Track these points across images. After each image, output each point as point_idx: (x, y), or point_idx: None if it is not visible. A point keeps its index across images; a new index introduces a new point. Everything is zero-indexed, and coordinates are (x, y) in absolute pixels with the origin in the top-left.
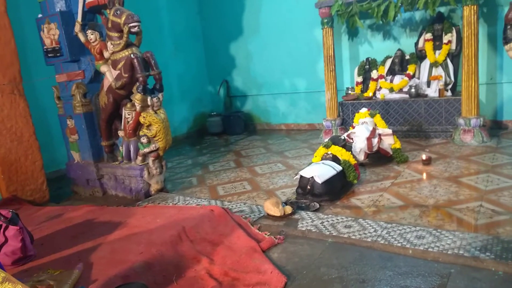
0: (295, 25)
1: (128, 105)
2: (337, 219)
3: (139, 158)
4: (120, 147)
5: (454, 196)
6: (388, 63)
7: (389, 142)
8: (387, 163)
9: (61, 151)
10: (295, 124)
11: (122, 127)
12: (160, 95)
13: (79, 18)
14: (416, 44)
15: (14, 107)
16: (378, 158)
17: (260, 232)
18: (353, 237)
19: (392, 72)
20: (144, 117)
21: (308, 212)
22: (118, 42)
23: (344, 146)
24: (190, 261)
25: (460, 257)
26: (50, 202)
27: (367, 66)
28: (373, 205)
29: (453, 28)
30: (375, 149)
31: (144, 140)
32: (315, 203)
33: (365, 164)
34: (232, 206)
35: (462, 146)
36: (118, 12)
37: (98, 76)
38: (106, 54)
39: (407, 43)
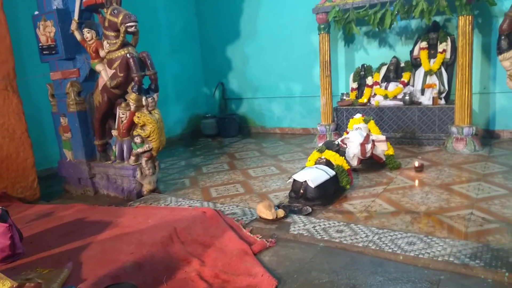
0: (292, 30)
1: (123, 104)
2: (329, 224)
3: (132, 158)
4: (113, 147)
5: (445, 203)
6: (383, 70)
7: (383, 148)
8: (380, 169)
9: (54, 149)
10: (290, 128)
11: (116, 127)
12: (155, 96)
13: (76, 16)
14: (411, 52)
15: (7, 104)
16: (371, 164)
17: (251, 235)
18: (345, 242)
19: (387, 79)
20: (138, 117)
21: (300, 216)
22: (114, 41)
23: (337, 151)
24: (181, 262)
25: (450, 264)
26: (40, 200)
27: (363, 73)
28: (365, 211)
29: (448, 37)
30: (368, 155)
31: (137, 140)
32: (307, 207)
33: (358, 170)
34: (224, 208)
35: (454, 154)
36: (115, 11)
37: (93, 75)
38: (102, 53)
39: (403, 51)
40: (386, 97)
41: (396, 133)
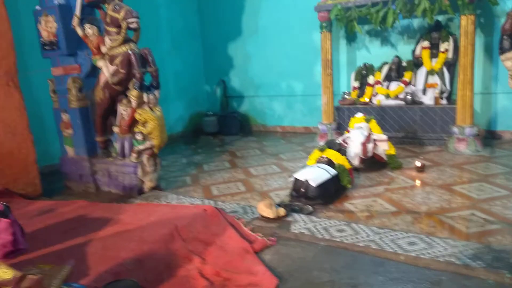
0: (294, 28)
1: (124, 101)
2: (330, 223)
3: (134, 155)
4: (115, 143)
5: (446, 203)
6: (385, 69)
7: (384, 148)
8: (381, 169)
9: (55, 145)
10: (291, 126)
11: (117, 123)
12: (156, 92)
13: (78, 12)
14: (413, 51)
15: (9, 99)
16: (372, 163)
17: (252, 233)
18: (346, 241)
19: (388, 78)
20: (139, 114)
21: (301, 215)
22: (116, 37)
23: (339, 150)
24: (182, 260)
25: (451, 264)
26: (42, 196)
27: (364, 72)
28: (366, 210)
29: (450, 37)
30: (369, 154)
31: (139, 137)
32: (308, 206)
33: (360, 169)
34: (225, 207)
35: (455, 154)
36: (117, 7)
37: (94, 71)
38: (103, 49)
39: (405, 50)
40: (387, 96)
41: (398, 133)
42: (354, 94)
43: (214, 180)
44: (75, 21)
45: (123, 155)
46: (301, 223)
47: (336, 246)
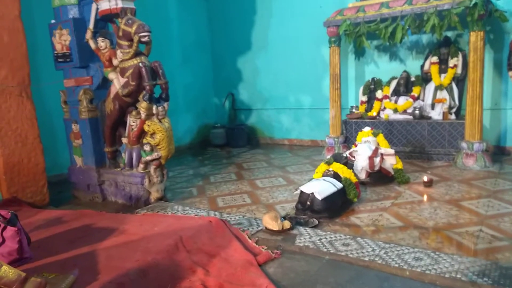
0: (303, 42)
1: (134, 112)
2: (335, 237)
3: (141, 165)
4: (123, 154)
5: (454, 219)
6: (393, 84)
7: (391, 162)
8: (388, 183)
9: (64, 155)
10: (298, 139)
11: (126, 134)
12: (165, 105)
13: (91, 26)
14: (422, 66)
15: (21, 109)
16: (379, 177)
17: (257, 246)
18: (351, 255)
19: (397, 93)
20: (148, 125)
21: (306, 228)
22: (127, 50)
23: (345, 164)
24: (186, 271)
25: (457, 281)
26: (49, 205)
27: (372, 86)
28: (372, 224)
29: (459, 52)
30: (376, 168)
31: (147, 148)
32: (314, 219)
33: (366, 183)
34: (230, 218)
35: (464, 170)
36: (130, 21)
37: (105, 83)
38: (115, 62)
39: (413, 65)
40: (395, 111)
41: (406, 147)
42: (362, 108)
43: (220, 192)
44: (88, 35)
45: (130, 165)
46: (306, 236)
47: (341, 260)
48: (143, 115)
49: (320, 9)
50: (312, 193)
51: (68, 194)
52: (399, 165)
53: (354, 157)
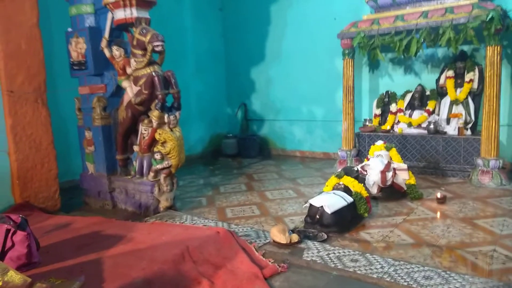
0: (317, 54)
1: (146, 121)
2: (344, 252)
3: (151, 174)
4: (134, 162)
5: (467, 238)
6: (408, 97)
7: (404, 177)
8: (400, 199)
9: (77, 162)
10: (310, 152)
11: (138, 142)
12: (177, 114)
13: (106, 34)
14: (437, 80)
15: (36, 116)
16: (391, 192)
17: (264, 259)
18: (359, 272)
19: (411, 107)
20: (159, 133)
21: (314, 242)
22: (141, 59)
23: (357, 178)
24: (191, 282)
25: None
26: (60, 211)
27: (387, 99)
28: (383, 241)
29: (476, 67)
30: (388, 183)
31: (157, 156)
32: (323, 233)
33: (378, 198)
34: (238, 230)
35: (479, 187)
36: (144, 31)
37: (119, 91)
38: (128, 70)
39: (428, 79)
40: (410, 125)
41: (419, 163)
42: (375, 122)
43: (229, 202)
44: (103, 43)
45: (141, 173)
46: (314, 251)
47: (348, 277)
48: (154, 124)
49: (335, 21)
50: (322, 206)
51: (79, 200)
52: (412, 181)
53: (366, 171)
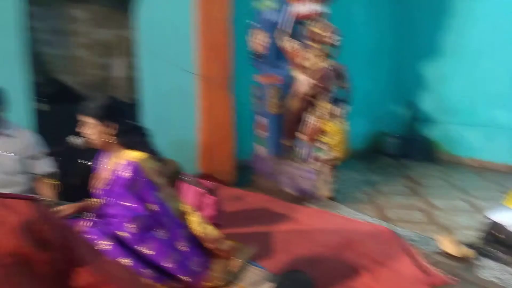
0: (500, 48)
1: (315, 112)
2: None
3: (316, 163)
4: (300, 150)
5: None
6: None
7: None
8: None
9: (249, 144)
10: (489, 162)
11: (306, 132)
12: (346, 107)
13: (285, 28)
14: None
15: (222, 99)
16: None
17: (430, 267)
18: None
19: None
20: (328, 125)
21: (494, 262)
22: (317, 53)
23: None
24: (352, 271)
25: None
26: (235, 185)
27: None
28: None
29: None
30: None
31: (324, 147)
32: (507, 256)
33: None
34: (401, 232)
35: None
36: (322, 25)
37: (292, 82)
38: (304, 63)
39: None
40: None
41: None
42: None
43: (390, 203)
44: (281, 36)
45: (306, 161)
46: (492, 271)
47: None
48: (324, 115)
49: None
50: (507, 225)
51: (249, 178)
52: None
53: None
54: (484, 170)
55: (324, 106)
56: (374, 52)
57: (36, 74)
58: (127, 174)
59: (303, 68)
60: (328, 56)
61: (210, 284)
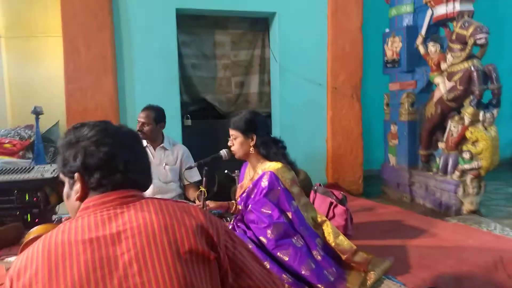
0: None
1: (456, 117)
2: None
3: (457, 173)
4: (438, 159)
5: None
6: None
7: None
8: None
9: (377, 153)
10: None
11: (445, 139)
12: (494, 111)
13: (423, 31)
14: None
15: (351, 109)
16: None
17: None
18: None
19: None
20: (471, 132)
21: None
22: (459, 54)
23: None
24: None
25: None
26: (362, 195)
27: None
28: None
29: None
30: None
31: (466, 155)
32: None
33: None
34: None
35: None
36: (466, 24)
37: (429, 87)
38: (443, 66)
39: None
40: None
41: None
42: None
43: None
44: (419, 40)
45: (444, 171)
46: None
47: None
48: (467, 121)
49: None
50: None
51: (377, 188)
52: None
53: None
54: None
55: (467, 111)
56: None
57: (185, 94)
58: (265, 183)
59: (441, 71)
60: (472, 56)
61: None
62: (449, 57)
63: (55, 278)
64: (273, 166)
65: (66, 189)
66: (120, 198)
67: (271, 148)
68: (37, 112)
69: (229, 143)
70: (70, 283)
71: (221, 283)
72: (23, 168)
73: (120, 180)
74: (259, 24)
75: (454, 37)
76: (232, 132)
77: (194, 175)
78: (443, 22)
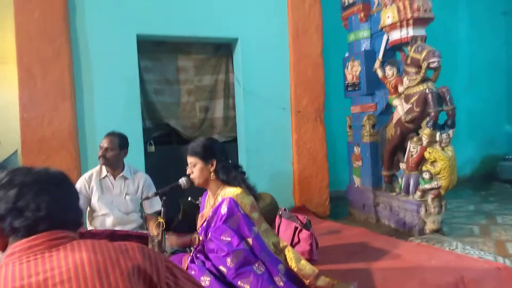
0: None
1: (415, 139)
2: None
3: (418, 193)
4: (400, 179)
5: None
6: None
7: None
8: None
9: (343, 174)
10: None
11: (405, 160)
12: (450, 132)
13: (380, 56)
14: None
15: (315, 132)
16: None
17: None
18: None
19: None
20: (429, 152)
21: None
22: (414, 77)
23: None
24: None
25: None
26: (329, 217)
27: None
28: None
29: None
30: None
31: (426, 175)
32: None
33: None
34: None
35: None
36: (419, 48)
37: (388, 109)
38: (400, 89)
39: None
40: None
41: None
42: None
43: (508, 236)
44: (377, 64)
45: (407, 191)
46: None
47: None
48: (424, 142)
49: None
50: None
51: (344, 210)
52: None
53: None
54: None
55: (424, 132)
56: (483, 70)
57: (148, 120)
58: (225, 209)
59: (399, 94)
60: (426, 79)
61: None
62: (405, 80)
63: None
64: (233, 192)
65: None
66: (49, 240)
67: (231, 172)
68: None
69: (188, 171)
70: None
71: None
72: None
73: (33, 222)
74: (223, 49)
75: (409, 61)
76: (190, 159)
77: (155, 205)
78: (398, 46)
